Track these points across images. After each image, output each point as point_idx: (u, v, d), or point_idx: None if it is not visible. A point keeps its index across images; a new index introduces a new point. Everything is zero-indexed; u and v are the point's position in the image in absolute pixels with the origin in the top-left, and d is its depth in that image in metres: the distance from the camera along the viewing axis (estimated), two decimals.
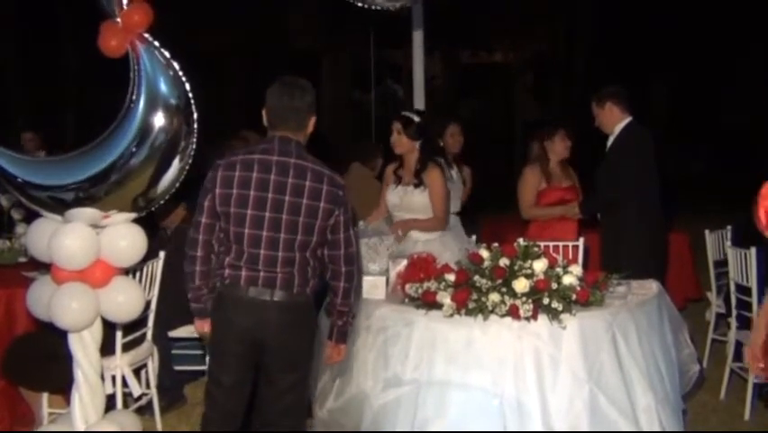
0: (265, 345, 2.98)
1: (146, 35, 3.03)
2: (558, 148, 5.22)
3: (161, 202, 3.23)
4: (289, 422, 3.10)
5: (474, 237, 4.66)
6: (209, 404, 3.10)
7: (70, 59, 12.42)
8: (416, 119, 4.34)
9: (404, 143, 4.33)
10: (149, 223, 3.47)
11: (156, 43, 3.02)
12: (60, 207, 3.05)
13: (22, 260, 4.58)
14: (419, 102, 6.14)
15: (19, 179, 3.04)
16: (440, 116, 6.11)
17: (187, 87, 3.03)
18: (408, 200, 4.30)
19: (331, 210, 2.96)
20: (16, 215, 5.09)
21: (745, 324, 4.37)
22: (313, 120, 3.09)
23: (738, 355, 4.32)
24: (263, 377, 3.07)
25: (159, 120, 2.97)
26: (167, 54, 3.02)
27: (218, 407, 3.07)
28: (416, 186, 4.28)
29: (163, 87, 2.98)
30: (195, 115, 3.07)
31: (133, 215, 3.17)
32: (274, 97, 3.03)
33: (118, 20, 3.00)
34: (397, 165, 4.45)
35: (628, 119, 4.84)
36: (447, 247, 4.17)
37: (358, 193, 4.84)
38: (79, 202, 3.01)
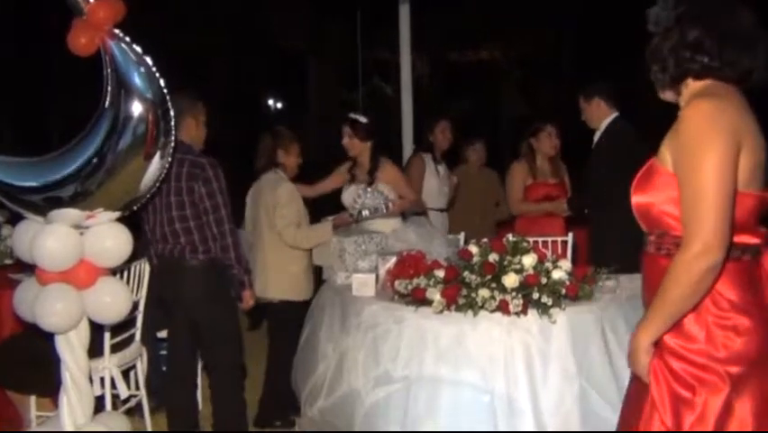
0: (181, 300, 3.76)
1: (116, 31, 2.96)
2: (544, 146, 5.22)
3: (144, 200, 3.19)
4: (224, 350, 3.83)
5: (462, 234, 4.66)
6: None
7: (54, 64, 12.32)
8: (363, 120, 4.49)
9: (356, 146, 4.50)
10: (135, 223, 3.47)
11: (127, 39, 2.96)
12: (54, 206, 2.99)
13: (8, 262, 4.54)
14: (407, 100, 6.15)
15: (9, 185, 2.98)
16: (431, 114, 6.12)
17: (162, 82, 2.99)
18: (361, 203, 4.40)
19: (191, 186, 3.64)
20: (0, 217, 5.04)
21: None
22: (186, 122, 3.73)
23: None
24: (195, 328, 3.81)
25: (136, 108, 2.92)
26: (139, 50, 2.96)
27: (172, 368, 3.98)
28: (369, 184, 4.41)
29: (137, 81, 2.93)
30: (172, 112, 3.02)
31: (118, 214, 3.13)
32: None
33: (85, 17, 2.93)
34: (352, 164, 4.60)
35: (615, 114, 4.83)
36: (403, 241, 4.16)
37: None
38: (75, 198, 2.96)
